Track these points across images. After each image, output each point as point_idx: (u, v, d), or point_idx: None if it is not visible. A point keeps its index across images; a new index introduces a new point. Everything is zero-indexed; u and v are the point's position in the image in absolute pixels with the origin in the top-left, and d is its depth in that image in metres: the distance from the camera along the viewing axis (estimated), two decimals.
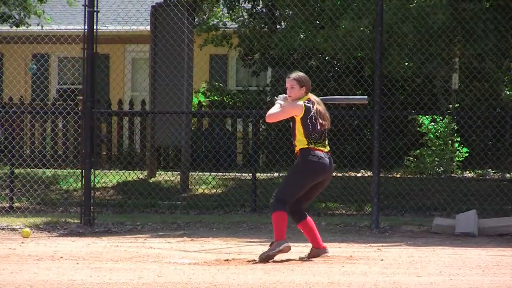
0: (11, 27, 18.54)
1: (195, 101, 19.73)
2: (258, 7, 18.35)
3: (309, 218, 8.78)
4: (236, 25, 19.23)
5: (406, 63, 14.29)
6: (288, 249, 8.55)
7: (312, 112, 8.60)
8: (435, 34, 13.93)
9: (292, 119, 8.66)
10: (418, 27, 13.79)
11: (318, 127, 8.60)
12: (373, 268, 8.22)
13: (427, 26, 13.75)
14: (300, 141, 8.60)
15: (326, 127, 8.66)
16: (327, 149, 8.70)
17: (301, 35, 15.35)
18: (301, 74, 8.75)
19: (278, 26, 17.62)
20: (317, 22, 15.43)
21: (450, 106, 16.86)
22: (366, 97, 9.28)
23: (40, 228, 11.94)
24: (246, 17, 18.65)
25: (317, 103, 8.69)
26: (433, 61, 14.32)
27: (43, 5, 18.86)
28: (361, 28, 13.97)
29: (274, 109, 8.72)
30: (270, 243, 8.68)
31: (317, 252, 8.82)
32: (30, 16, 18.32)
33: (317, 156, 8.54)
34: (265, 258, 8.52)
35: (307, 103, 8.64)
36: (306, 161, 8.53)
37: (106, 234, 11.62)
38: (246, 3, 18.53)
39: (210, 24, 19.03)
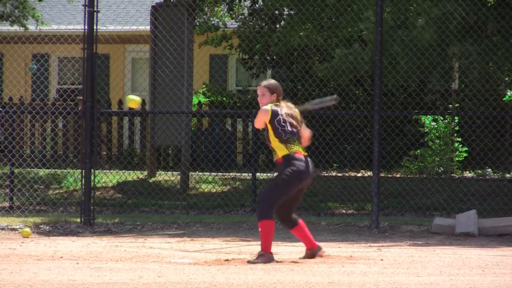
0: (12, 25, 18.50)
1: (195, 101, 19.74)
2: (257, 6, 18.34)
3: (301, 221, 8.70)
4: (236, 25, 19.23)
5: (402, 80, 14.39)
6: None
7: (280, 115, 8.56)
8: (427, 50, 13.99)
9: (266, 127, 8.62)
10: (409, 45, 13.88)
11: (289, 128, 8.55)
12: (373, 268, 8.22)
13: (418, 45, 13.83)
14: (279, 149, 8.54)
15: (297, 129, 8.60)
16: (304, 151, 8.64)
17: (301, 34, 15.38)
18: (272, 81, 8.75)
19: (277, 26, 17.62)
20: (317, 22, 15.46)
21: (450, 106, 16.86)
22: (335, 96, 9.15)
23: (40, 228, 11.94)
24: (246, 15, 18.66)
25: (287, 107, 8.65)
26: (429, 75, 14.37)
27: (43, 5, 18.85)
28: (353, 54, 14.19)
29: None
30: (259, 253, 8.50)
31: (311, 253, 8.77)
32: (28, 19, 18.30)
33: (301, 161, 8.49)
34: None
35: (274, 107, 8.62)
36: (291, 168, 8.44)
37: (106, 234, 11.62)
38: (246, 1, 18.51)
39: (210, 24, 19.03)
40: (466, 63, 13.79)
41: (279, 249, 9.72)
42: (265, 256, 8.39)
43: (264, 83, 8.72)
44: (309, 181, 8.59)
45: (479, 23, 13.65)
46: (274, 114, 8.56)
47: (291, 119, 8.58)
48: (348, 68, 14.61)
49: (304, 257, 8.74)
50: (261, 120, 8.60)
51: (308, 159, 8.56)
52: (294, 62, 17.77)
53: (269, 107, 8.58)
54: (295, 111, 8.68)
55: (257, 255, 8.47)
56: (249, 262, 8.42)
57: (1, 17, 17.77)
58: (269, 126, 8.55)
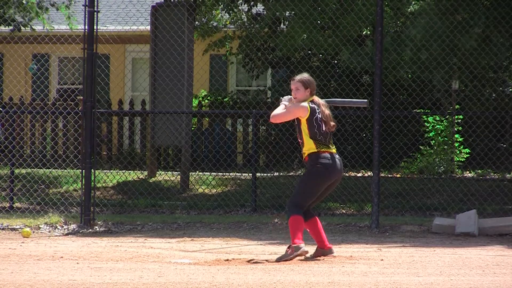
0: (19, 29, 18.41)
1: (195, 101, 19.74)
2: (256, 8, 18.30)
3: (316, 218, 8.80)
4: (235, 27, 19.20)
5: (402, 80, 14.43)
6: (305, 253, 8.59)
7: (317, 114, 8.63)
8: (432, 58, 14.02)
9: (298, 122, 8.67)
10: (415, 53, 13.92)
11: (324, 129, 8.62)
12: (373, 268, 8.22)
13: (418, 45, 13.85)
14: (308, 145, 8.61)
15: (332, 130, 8.68)
16: (334, 150, 8.73)
17: (303, 36, 15.38)
18: (306, 75, 8.78)
19: (278, 28, 17.60)
20: (318, 22, 15.46)
21: (451, 106, 16.86)
22: (366, 100, 9.29)
23: (40, 228, 11.95)
24: (244, 20, 18.63)
25: (323, 106, 8.72)
26: (430, 75, 14.40)
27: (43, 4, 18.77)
28: (359, 58, 14.27)
29: (279, 109, 8.73)
30: (287, 245, 8.65)
31: (322, 252, 8.83)
32: (32, 19, 18.24)
33: (327, 159, 8.57)
34: (283, 261, 8.54)
35: (312, 104, 8.66)
36: (317, 165, 8.55)
37: (106, 234, 11.62)
38: (244, 5, 18.45)
39: (209, 27, 18.99)
40: (467, 63, 13.80)
41: (279, 248, 9.73)
42: (294, 247, 8.49)
43: (298, 77, 8.77)
44: (338, 178, 8.72)
45: (478, 22, 13.66)
46: (312, 112, 8.62)
47: (326, 120, 8.64)
48: (359, 63, 14.68)
49: (314, 255, 8.79)
50: (295, 115, 8.65)
51: (336, 156, 8.65)
52: (294, 62, 17.76)
53: (306, 104, 8.63)
54: (329, 112, 8.74)
55: (287, 249, 8.57)
56: (278, 260, 8.53)
57: (4, 21, 17.72)
58: (305, 123, 8.61)
